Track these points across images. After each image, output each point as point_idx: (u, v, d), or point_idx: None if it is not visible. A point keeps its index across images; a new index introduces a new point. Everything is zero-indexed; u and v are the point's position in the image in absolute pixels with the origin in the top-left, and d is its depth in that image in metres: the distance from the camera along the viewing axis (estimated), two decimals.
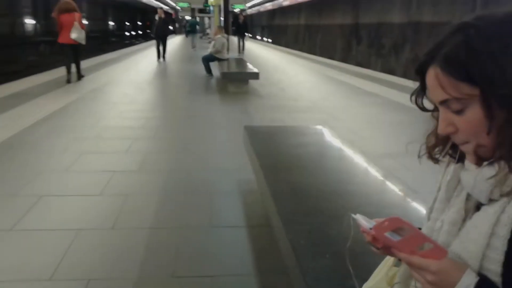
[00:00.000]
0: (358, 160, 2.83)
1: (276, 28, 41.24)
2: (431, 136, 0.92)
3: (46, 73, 10.64)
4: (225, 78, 8.60)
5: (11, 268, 2.35)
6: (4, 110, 6.24)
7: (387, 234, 0.83)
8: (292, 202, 2.19)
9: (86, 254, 2.53)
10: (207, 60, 10.28)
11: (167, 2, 51.94)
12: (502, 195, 0.78)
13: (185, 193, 3.46)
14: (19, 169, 3.84)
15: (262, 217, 2.87)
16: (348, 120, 6.01)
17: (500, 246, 0.75)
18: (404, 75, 12.42)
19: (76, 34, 8.70)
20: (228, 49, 11.41)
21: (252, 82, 8.84)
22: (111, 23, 36.03)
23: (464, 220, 0.84)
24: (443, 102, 0.79)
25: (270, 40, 39.41)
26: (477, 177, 0.80)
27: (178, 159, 4.33)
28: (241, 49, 17.06)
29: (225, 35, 10.83)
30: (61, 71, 10.61)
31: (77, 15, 8.86)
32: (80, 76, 9.35)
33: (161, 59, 14.23)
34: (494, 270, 0.76)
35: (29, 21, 21.07)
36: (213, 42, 10.42)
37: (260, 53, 20.71)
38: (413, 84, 0.86)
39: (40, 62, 16.60)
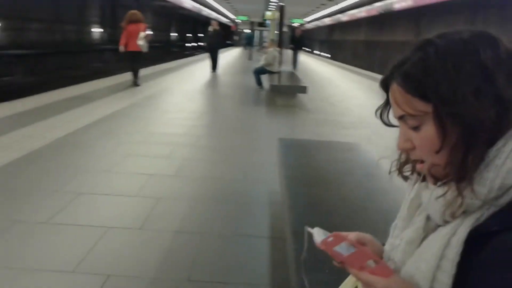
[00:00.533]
0: (386, 178, 2.77)
1: (334, 43, 41.06)
2: (403, 153, 0.91)
3: (108, 78, 11.25)
4: (273, 90, 8.68)
5: (38, 258, 2.50)
6: (62, 111, 6.65)
7: (337, 248, 0.83)
8: (307, 215, 2.18)
9: (110, 251, 2.64)
10: (258, 72, 10.42)
11: (227, 15, 53.25)
12: (455, 217, 0.76)
13: (215, 200, 3.52)
14: (65, 167, 4.08)
15: None
16: (391, 138, 5.85)
17: (448, 269, 0.74)
18: None
19: (142, 42, 9.43)
20: (280, 63, 11.51)
21: (301, 96, 8.86)
22: (173, 34, 37.38)
23: (422, 240, 0.83)
24: (401, 118, 0.79)
25: (328, 55, 39.27)
26: (431, 197, 0.79)
27: (214, 167, 4.42)
28: (294, 63, 17.06)
29: (277, 49, 10.93)
30: (120, 78, 11.22)
31: (143, 25, 9.59)
32: (136, 84, 9.92)
33: (214, 70, 14.19)
34: None
35: (96, 30, 22.30)
36: (264, 55, 10.56)
37: (315, 67, 20.71)
38: None
39: (104, 68, 17.50)
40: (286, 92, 8.55)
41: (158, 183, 3.82)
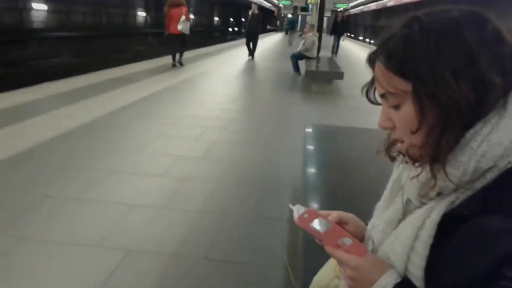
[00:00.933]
0: None
1: (379, 29, 39.98)
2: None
3: (149, 61, 11.51)
4: (308, 76, 8.59)
5: (65, 232, 2.62)
6: (102, 92, 6.87)
7: (313, 225, 0.83)
8: (322, 199, 2.18)
9: (133, 228, 2.74)
10: (296, 58, 10.34)
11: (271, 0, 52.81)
12: (430, 199, 0.75)
13: (239, 183, 3.56)
14: (97, 147, 4.23)
15: None
16: None
17: (421, 251, 0.73)
18: None
19: (182, 26, 9.73)
20: (319, 48, 11.36)
21: (338, 82, 8.73)
22: (216, 18, 37.55)
23: (400, 222, 0.82)
24: (383, 96, 0.78)
25: (372, 41, 38.35)
26: (407, 177, 0.79)
27: (242, 151, 4.46)
28: (335, 49, 16.62)
29: (316, 34, 10.78)
30: (161, 61, 11.44)
31: (184, 9, 9.89)
32: (180, 64, 10.52)
33: (251, 56, 13.79)
34: (416, 275, 0.75)
35: (140, 14, 22.72)
36: (303, 40, 10.45)
37: (357, 54, 20.29)
38: None
39: (146, 51, 17.87)
40: (322, 78, 8.45)
41: (185, 164, 3.90)
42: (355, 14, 54.43)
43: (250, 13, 13.55)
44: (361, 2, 46.02)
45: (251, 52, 13.78)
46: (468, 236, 0.68)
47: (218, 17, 38.18)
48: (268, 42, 24.56)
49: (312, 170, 2.61)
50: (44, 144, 4.18)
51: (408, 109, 0.73)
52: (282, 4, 47.03)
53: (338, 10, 30.07)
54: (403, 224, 0.79)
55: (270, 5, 58.12)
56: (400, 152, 0.87)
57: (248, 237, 2.72)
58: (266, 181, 3.63)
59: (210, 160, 4.09)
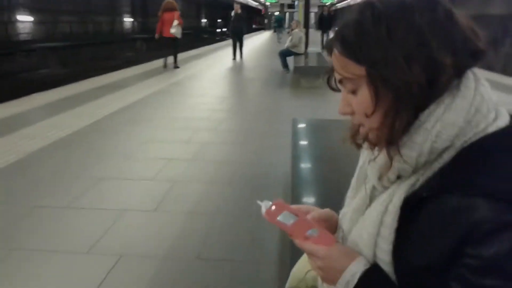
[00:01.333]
0: None
1: None
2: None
3: (139, 66, 11.50)
4: (297, 72, 8.61)
5: (55, 241, 2.62)
6: (91, 100, 6.85)
7: (280, 218, 0.84)
8: (311, 193, 2.19)
9: (124, 233, 2.74)
10: (284, 55, 10.34)
11: None
12: (391, 182, 0.76)
13: (230, 183, 3.57)
14: (88, 154, 4.23)
15: None
16: None
17: (387, 236, 0.74)
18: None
19: (175, 30, 10.07)
20: (307, 44, 11.37)
21: None
22: (203, 20, 37.51)
23: (367, 208, 0.83)
24: (340, 82, 0.79)
25: None
26: (368, 161, 0.79)
27: (232, 151, 4.47)
28: (323, 43, 16.67)
29: (303, 30, 10.79)
30: (150, 65, 11.42)
31: (176, 13, 10.20)
32: (176, 66, 10.87)
33: (237, 58, 13.38)
34: (384, 259, 0.75)
35: (127, 20, 22.67)
36: (290, 37, 10.46)
37: None
38: None
39: (135, 57, 17.83)
40: (310, 73, 8.46)
41: (175, 167, 3.90)
42: (342, 8, 54.38)
43: (233, 13, 13.32)
44: None
45: (235, 54, 13.40)
46: (429, 217, 0.68)
47: (206, 19, 38.15)
48: (257, 41, 24.56)
49: (300, 164, 2.62)
50: (33, 154, 4.17)
51: (364, 93, 0.73)
52: (269, 2, 47.03)
53: (325, 4, 30.13)
54: (369, 211, 0.79)
55: (256, 3, 58.14)
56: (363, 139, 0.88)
57: (239, 236, 2.73)
58: (257, 180, 3.63)
59: (201, 161, 4.09)
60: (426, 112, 0.69)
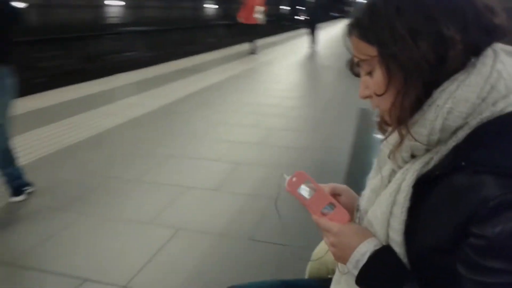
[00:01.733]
0: None
1: None
2: None
3: (219, 51, 11.86)
4: None
5: (122, 210, 2.81)
6: (169, 81, 7.18)
7: (300, 191, 0.84)
8: (360, 181, 2.14)
9: (185, 208, 2.86)
10: None
11: None
12: (406, 162, 0.75)
13: (293, 168, 3.55)
14: (159, 133, 4.45)
15: None
16: None
17: (399, 215, 0.73)
18: None
19: (258, 15, 10.43)
20: None
21: None
22: (284, 7, 37.44)
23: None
24: (358, 65, 0.80)
25: None
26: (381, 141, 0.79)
27: (298, 137, 4.46)
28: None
29: None
30: (230, 51, 11.73)
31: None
32: (253, 51, 11.21)
33: (313, 46, 12.85)
34: (395, 239, 0.74)
35: (211, 7, 23.23)
36: None
37: None
38: None
39: (217, 43, 18.28)
40: None
41: (240, 150, 3.98)
42: None
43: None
44: None
45: (311, 42, 12.97)
46: (440, 196, 0.67)
47: (287, 6, 38.04)
48: (336, 29, 24.09)
49: (354, 151, 2.57)
50: (110, 130, 4.46)
51: (379, 73, 0.73)
52: None
53: None
54: (385, 191, 0.79)
55: None
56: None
57: (292, 221, 2.73)
58: (319, 166, 3.61)
59: (266, 146, 4.14)
60: (440, 89, 0.68)
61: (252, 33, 11.04)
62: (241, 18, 10.62)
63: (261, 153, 3.93)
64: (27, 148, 3.83)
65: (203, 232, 2.57)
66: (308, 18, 12.99)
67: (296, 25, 35.04)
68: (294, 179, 0.86)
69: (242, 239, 2.52)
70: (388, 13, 0.69)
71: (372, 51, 0.72)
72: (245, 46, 11.95)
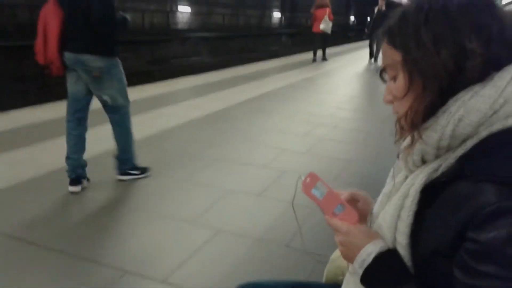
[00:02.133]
0: None
1: None
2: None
3: (281, 59, 12.06)
4: None
5: (168, 207, 2.97)
6: (229, 87, 7.41)
7: (314, 191, 0.89)
8: None
9: (227, 211, 2.95)
10: None
11: None
12: (417, 166, 0.78)
13: (337, 179, 3.57)
14: (212, 136, 4.59)
15: None
16: None
17: (405, 218, 0.76)
18: None
19: (324, 25, 10.75)
20: None
21: None
22: (351, 17, 37.01)
23: None
24: (385, 70, 0.83)
25: None
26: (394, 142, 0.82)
27: (347, 149, 4.44)
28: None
29: None
30: (292, 59, 11.86)
31: (328, 10, 10.90)
32: (324, 59, 11.80)
33: (373, 60, 12.03)
34: (401, 243, 0.77)
35: (276, 15, 23.46)
36: None
37: None
38: None
39: (279, 51, 18.43)
40: None
41: (287, 158, 4.03)
42: None
43: (375, 10, 11.75)
44: None
45: (373, 55, 12.09)
46: (444, 202, 0.70)
47: (354, 16, 37.57)
48: None
49: None
50: (167, 130, 4.68)
51: (401, 78, 0.77)
52: None
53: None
54: (395, 195, 0.81)
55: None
56: None
57: (329, 232, 2.74)
58: (365, 179, 3.58)
59: (313, 155, 4.16)
60: (455, 97, 0.71)
61: (323, 41, 11.51)
62: (314, 28, 11.16)
63: (308, 162, 3.96)
64: None
65: (241, 235, 2.64)
66: (367, 30, 12.44)
67: (364, 36, 34.48)
68: (308, 180, 0.91)
69: (279, 245, 2.56)
70: (416, 21, 0.73)
71: (397, 56, 0.76)
72: (306, 55, 12.03)
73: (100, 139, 3.77)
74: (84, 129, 3.22)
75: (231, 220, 2.82)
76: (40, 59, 3.01)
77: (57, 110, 4.77)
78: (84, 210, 2.92)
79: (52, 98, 5.83)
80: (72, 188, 3.09)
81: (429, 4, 0.73)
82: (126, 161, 3.33)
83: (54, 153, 3.61)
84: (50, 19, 2.96)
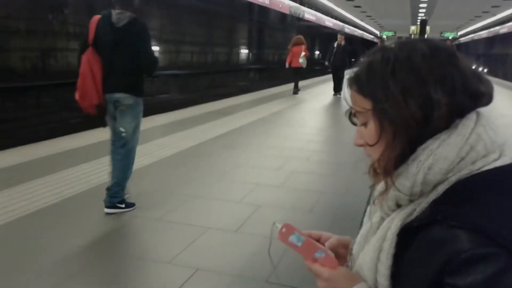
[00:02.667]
0: None
1: (493, 58, 37.47)
2: None
3: (249, 95, 12.21)
4: None
5: (142, 249, 2.93)
6: (198, 124, 7.41)
7: (291, 238, 0.91)
8: None
9: (205, 248, 2.94)
10: None
11: (372, 31, 52.25)
12: (393, 210, 0.81)
13: (313, 211, 3.63)
14: (184, 173, 4.60)
15: None
16: None
17: (385, 261, 0.79)
18: None
19: (302, 60, 11.89)
20: None
21: None
22: (316, 52, 38.08)
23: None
24: (355, 116, 0.87)
25: (486, 70, 35.93)
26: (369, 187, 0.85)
27: (320, 181, 4.53)
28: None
29: None
30: (259, 94, 12.04)
31: (303, 47, 12.09)
32: (295, 92, 12.61)
33: (336, 92, 12.49)
34: (383, 284, 0.79)
35: (243, 51, 23.92)
36: None
37: None
38: None
39: (248, 86, 18.69)
40: None
41: (262, 192, 4.07)
42: (466, 43, 51.67)
43: (335, 44, 12.44)
44: (471, 30, 43.59)
45: (336, 88, 12.48)
46: (419, 246, 0.73)
47: (319, 51, 38.68)
48: None
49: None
50: (138, 170, 4.63)
51: (372, 126, 0.81)
52: (385, 36, 46.29)
53: (448, 38, 28.66)
54: (373, 237, 0.85)
55: (372, 36, 57.54)
56: None
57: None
58: (340, 209, 3.65)
59: (287, 189, 4.21)
60: (423, 146, 0.75)
61: (299, 74, 12.53)
62: (288, 63, 12.15)
63: (282, 196, 4.00)
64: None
65: (221, 273, 2.63)
66: (327, 63, 12.79)
67: (328, 69, 35.38)
68: (283, 230, 0.93)
69: (258, 281, 2.56)
70: (384, 72, 0.77)
71: (367, 104, 0.80)
72: (274, 90, 12.31)
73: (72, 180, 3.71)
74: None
75: (210, 258, 2.81)
76: (94, 100, 3.32)
77: None
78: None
79: None
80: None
81: (394, 56, 0.78)
82: (116, 194, 3.43)
83: None
84: (93, 64, 3.29)
